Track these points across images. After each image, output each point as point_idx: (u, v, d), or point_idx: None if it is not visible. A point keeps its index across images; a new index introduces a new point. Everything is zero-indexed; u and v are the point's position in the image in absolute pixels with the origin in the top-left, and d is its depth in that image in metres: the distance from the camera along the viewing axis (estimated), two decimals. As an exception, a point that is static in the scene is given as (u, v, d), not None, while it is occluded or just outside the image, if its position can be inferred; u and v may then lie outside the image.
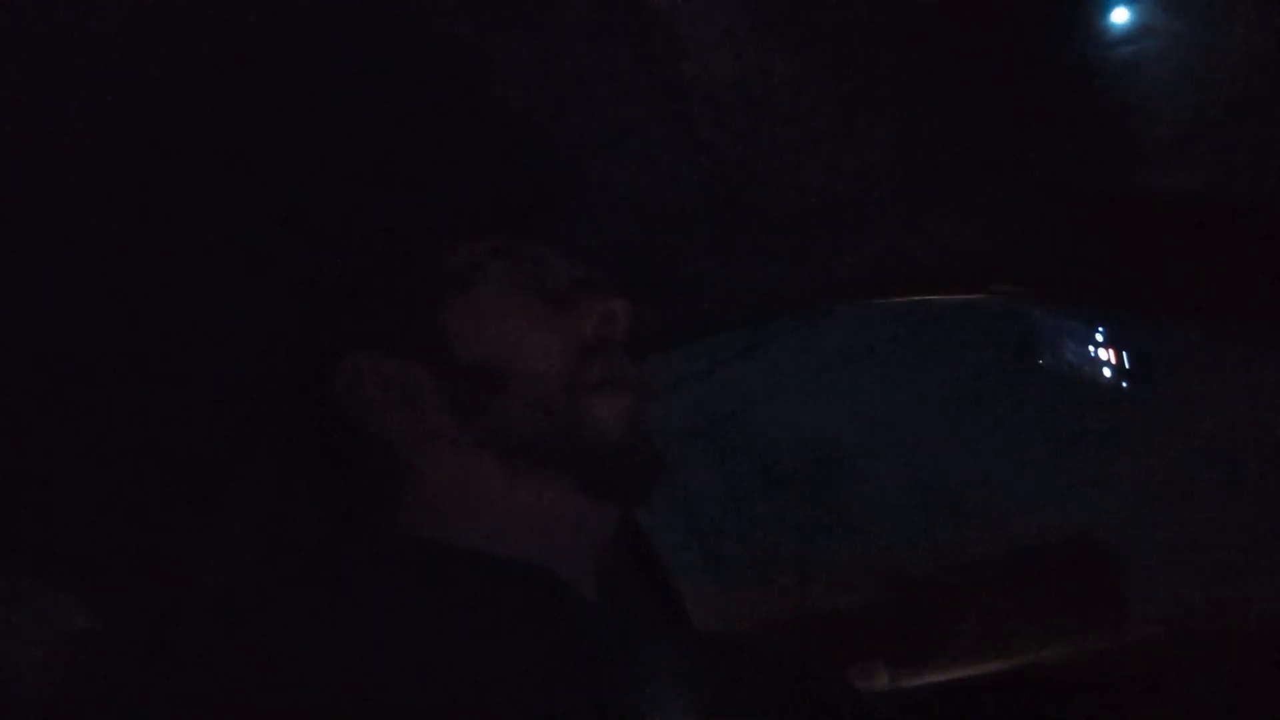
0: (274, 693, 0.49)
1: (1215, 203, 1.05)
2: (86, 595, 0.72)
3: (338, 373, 0.67)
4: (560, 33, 0.73)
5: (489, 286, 0.68)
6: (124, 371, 0.75)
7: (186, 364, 0.76)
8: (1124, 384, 1.68)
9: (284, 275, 0.73)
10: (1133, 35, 1.01)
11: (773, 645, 0.85)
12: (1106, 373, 1.61)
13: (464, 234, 0.71)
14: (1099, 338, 1.61)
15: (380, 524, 0.67)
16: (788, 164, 0.88)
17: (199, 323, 0.75)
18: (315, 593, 0.56)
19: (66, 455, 0.76)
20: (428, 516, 0.65)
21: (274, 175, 0.70)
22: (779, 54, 0.78)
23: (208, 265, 0.72)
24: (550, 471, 0.64)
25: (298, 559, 0.63)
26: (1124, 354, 1.63)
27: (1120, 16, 1.00)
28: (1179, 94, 1.08)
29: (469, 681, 0.53)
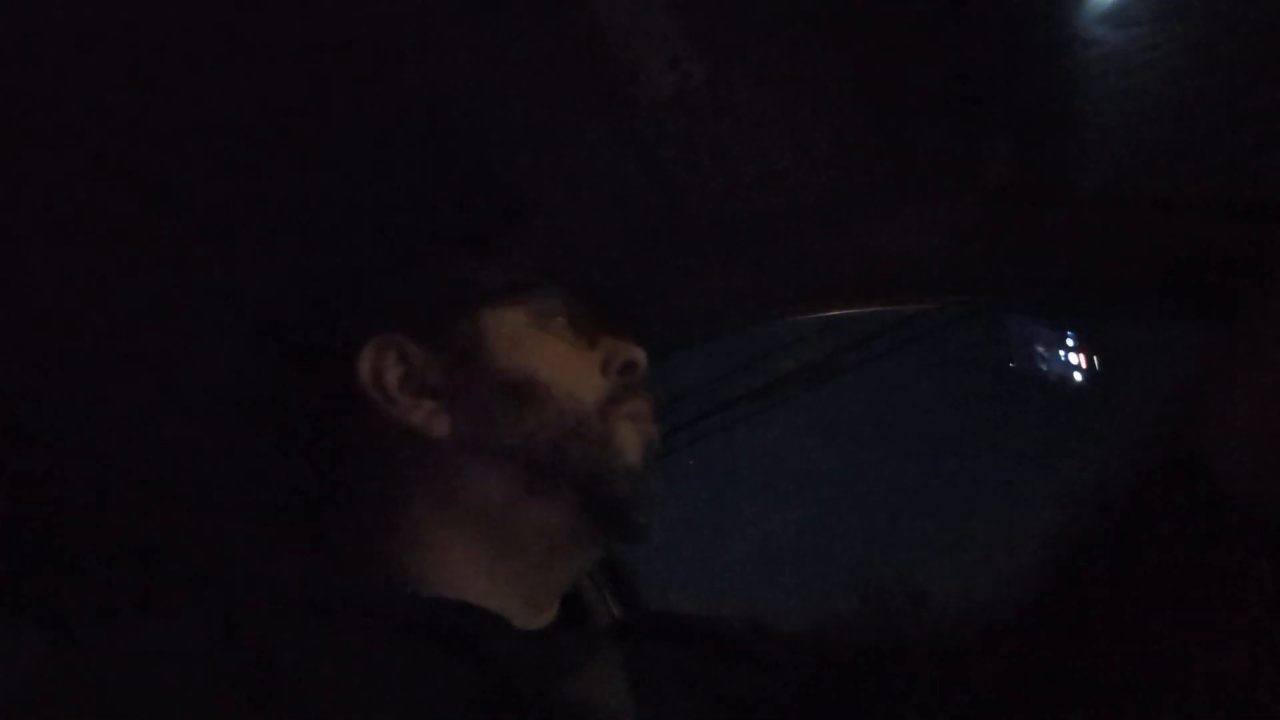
0: None
1: (1180, 204, 1.06)
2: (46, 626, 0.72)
3: (363, 354, 0.64)
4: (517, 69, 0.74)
5: (527, 309, 0.68)
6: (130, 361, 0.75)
7: (184, 355, 0.76)
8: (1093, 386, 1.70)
9: (310, 258, 0.73)
10: (1090, 39, 1.02)
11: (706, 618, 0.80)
12: (1076, 376, 1.63)
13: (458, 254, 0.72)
14: (1069, 342, 1.63)
15: (335, 555, 0.67)
16: (741, 180, 0.89)
17: (203, 313, 0.75)
18: (242, 640, 0.54)
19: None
20: (421, 529, 0.63)
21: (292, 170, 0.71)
22: (727, 72, 0.79)
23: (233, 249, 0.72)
24: (566, 491, 0.64)
25: (234, 604, 0.59)
26: (1094, 357, 1.65)
27: (1075, 22, 1.02)
28: (1133, 98, 1.10)
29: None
